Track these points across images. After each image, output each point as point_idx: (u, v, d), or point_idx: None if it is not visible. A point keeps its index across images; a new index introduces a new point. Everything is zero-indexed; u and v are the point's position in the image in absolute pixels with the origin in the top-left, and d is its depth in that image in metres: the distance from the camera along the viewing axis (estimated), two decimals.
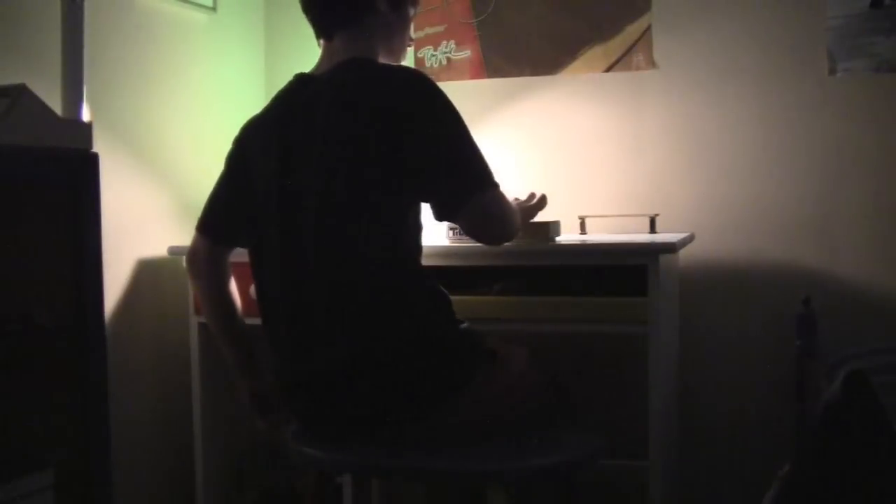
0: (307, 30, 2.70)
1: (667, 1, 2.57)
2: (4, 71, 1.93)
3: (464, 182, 1.69)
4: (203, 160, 2.63)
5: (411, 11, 1.90)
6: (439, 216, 1.72)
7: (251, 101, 2.85)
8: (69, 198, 1.60)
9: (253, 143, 1.83)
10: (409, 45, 1.94)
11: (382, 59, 1.85)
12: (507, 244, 2.11)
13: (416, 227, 1.76)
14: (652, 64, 2.59)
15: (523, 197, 2.16)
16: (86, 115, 1.68)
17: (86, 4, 1.69)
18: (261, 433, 1.96)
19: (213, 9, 2.65)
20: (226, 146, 2.84)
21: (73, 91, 1.67)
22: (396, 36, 1.87)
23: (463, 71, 2.76)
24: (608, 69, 2.63)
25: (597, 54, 2.63)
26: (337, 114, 1.70)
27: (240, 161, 1.85)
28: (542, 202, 2.13)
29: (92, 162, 1.61)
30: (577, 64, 2.65)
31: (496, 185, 1.72)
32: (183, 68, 2.55)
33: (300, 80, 1.82)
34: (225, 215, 1.89)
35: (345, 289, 1.68)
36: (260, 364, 1.92)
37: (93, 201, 1.62)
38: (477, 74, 2.75)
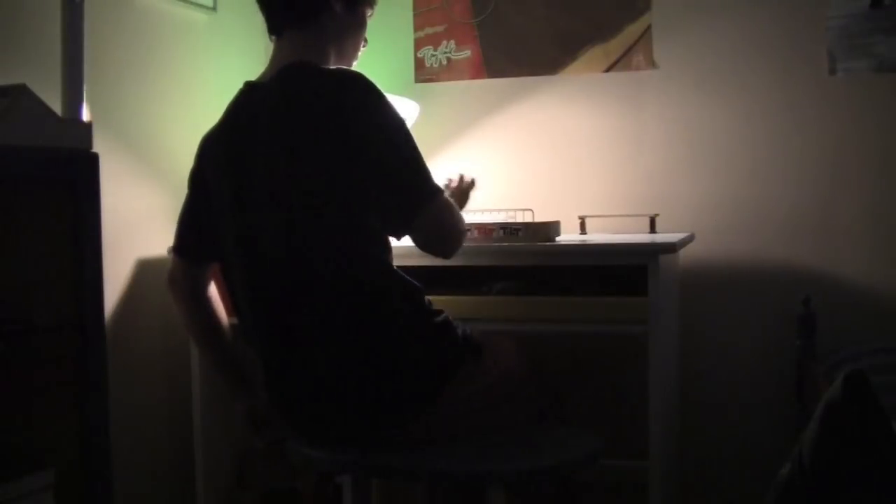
0: None
1: (667, 1, 2.57)
2: (4, 71, 1.93)
3: (411, 195, 1.66)
4: None
5: (368, 13, 1.86)
6: (389, 229, 1.70)
7: None
8: (69, 198, 1.59)
9: (208, 157, 1.82)
10: (363, 48, 1.90)
11: (333, 62, 1.81)
12: (506, 245, 2.11)
13: (378, 227, 1.72)
14: (652, 64, 2.59)
15: (454, 178, 2.13)
16: (86, 115, 1.68)
17: (86, 4, 1.69)
18: (259, 450, 1.95)
19: (213, 9, 2.65)
20: None
21: (73, 91, 1.67)
22: (349, 38, 1.84)
23: (463, 71, 2.76)
24: (608, 69, 2.63)
25: (597, 54, 2.63)
26: (278, 124, 1.68)
27: (200, 176, 1.84)
28: (472, 184, 2.12)
29: (92, 162, 1.61)
30: (577, 64, 2.65)
31: (440, 192, 1.69)
32: (183, 68, 2.55)
33: (247, 88, 1.80)
34: (195, 233, 1.87)
35: (311, 298, 1.67)
36: (252, 381, 1.90)
37: (93, 201, 1.61)
38: (477, 74, 2.75)
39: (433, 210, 1.67)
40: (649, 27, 2.58)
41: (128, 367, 2.31)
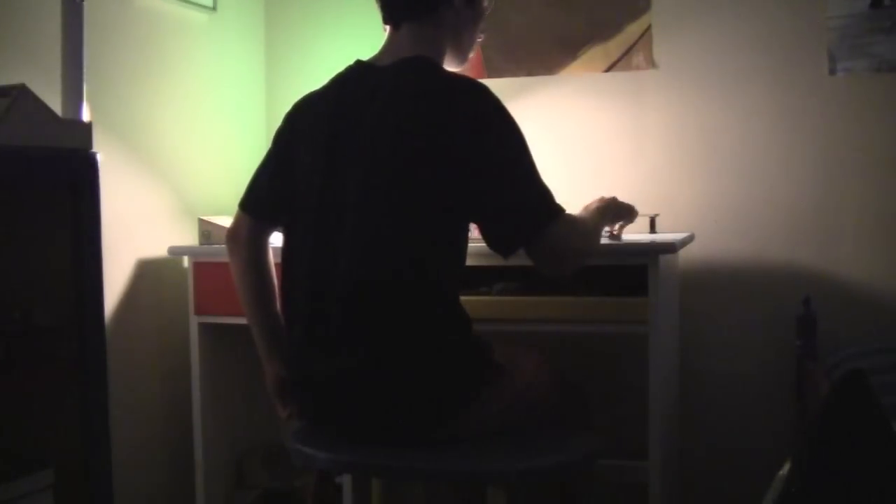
0: (307, 30, 2.69)
1: (667, 1, 2.57)
2: (4, 71, 1.93)
3: (527, 216, 1.62)
4: (203, 160, 2.63)
5: (485, 3, 1.86)
6: (495, 249, 1.67)
7: (251, 101, 2.85)
8: (69, 198, 1.59)
9: (302, 123, 1.79)
10: (480, 40, 1.90)
11: (449, 56, 1.81)
12: None
13: (459, 245, 1.70)
14: (652, 64, 2.59)
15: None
16: (86, 115, 1.68)
17: (86, 4, 1.69)
18: (282, 421, 1.93)
19: (213, 9, 2.65)
20: (225, 146, 2.85)
21: (73, 91, 1.67)
22: (466, 31, 1.83)
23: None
24: (608, 69, 2.63)
25: (597, 54, 2.63)
26: (391, 117, 1.65)
27: (287, 139, 1.81)
28: (633, 212, 2.08)
29: (92, 162, 1.61)
30: (577, 64, 2.65)
31: (558, 214, 1.65)
32: (183, 68, 2.55)
33: (359, 67, 1.77)
34: (268, 193, 1.85)
35: (370, 296, 1.63)
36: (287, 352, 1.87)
37: (93, 201, 1.61)
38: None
39: (549, 233, 1.63)
40: (649, 27, 2.58)
41: (127, 367, 2.31)
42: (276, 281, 1.90)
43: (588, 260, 1.78)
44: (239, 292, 1.91)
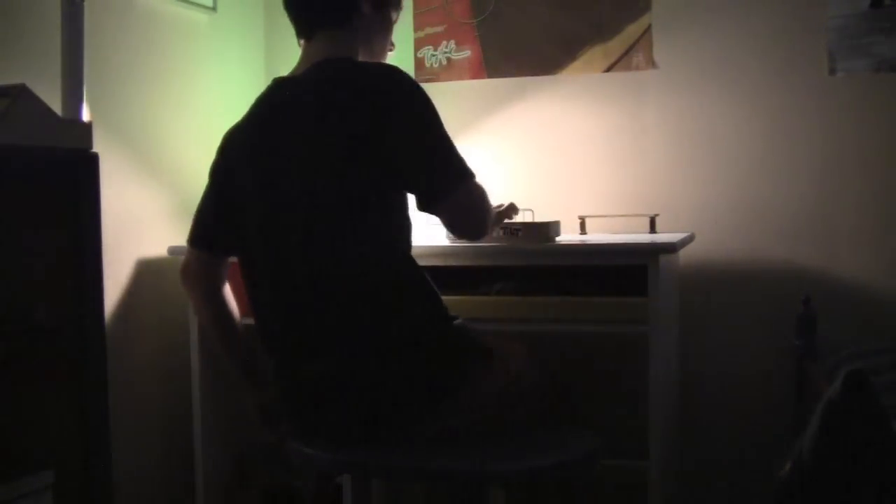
0: None
1: (667, 1, 2.57)
2: (4, 71, 1.93)
3: (444, 175, 1.69)
4: (203, 160, 2.62)
5: (393, 15, 1.89)
6: (421, 207, 1.73)
7: (251, 101, 2.85)
8: (69, 198, 1.60)
9: (234, 151, 1.83)
10: (391, 50, 1.93)
11: (362, 60, 1.83)
12: (506, 244, 2.11)
13: (405, 224, 1.75)
14: (652, 64, 2.59)
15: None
16: (86, 115, 1.68)
17: (86, 4, 1.69)
18: (271, 444, 1.95)
19: (213, 9, 2.65)
20: None
21: (73, 91, 1.67)
22: (377, 38, 1.87)
23: (463, 71, 2.75)
24: (608, 69, 2.63)
25: (597, 54, 2.63)
26: (314, 113, 1.69)
27: (223, 170, 1.85)
28: (510, 210, 2.10)
29: (92, 162, 1.61)
30: (577, 64, 2.65)
31: (473, 175, 1.73)
32: (183, 68, 2.55)
33: (277, 83, 1.82)
34: (214, 226, 1.88)
35: (335, 291, 1.67)
36: (265, 375, 1.90)
37: (93, 201, 1.61)
38: (477, 74, 2.75)
39: (463, 192, 1.70)
40: (649, 27, 2.58)
41: (127, 366, 2.31)
42: (236, 309, 1.93)
43: (487, 231, 1.81)
44: (205, 328, 1.96)
